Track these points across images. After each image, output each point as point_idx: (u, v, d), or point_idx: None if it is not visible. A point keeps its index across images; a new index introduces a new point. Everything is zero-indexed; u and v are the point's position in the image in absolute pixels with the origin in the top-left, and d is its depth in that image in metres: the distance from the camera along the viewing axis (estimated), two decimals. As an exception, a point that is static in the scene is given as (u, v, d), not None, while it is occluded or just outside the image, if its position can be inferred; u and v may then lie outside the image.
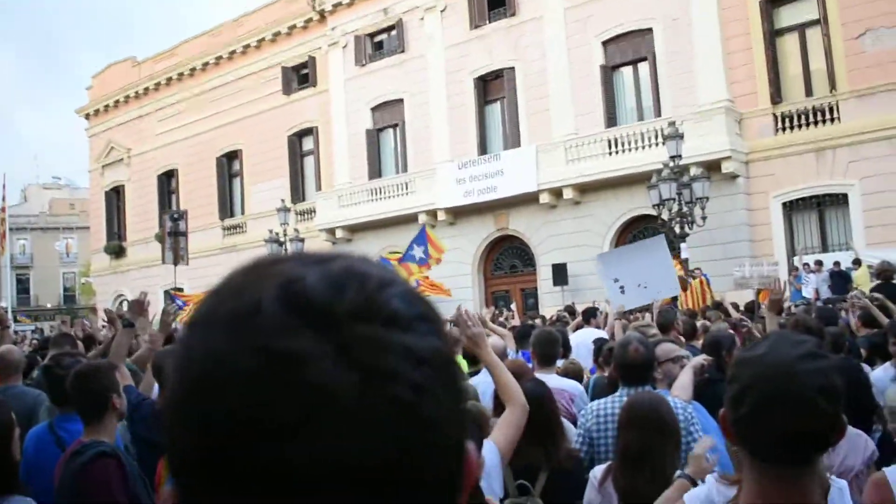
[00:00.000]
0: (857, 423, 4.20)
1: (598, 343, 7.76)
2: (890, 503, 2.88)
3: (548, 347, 5.99)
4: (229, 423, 0.59)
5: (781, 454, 1.65)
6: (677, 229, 19.26)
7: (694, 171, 20.25)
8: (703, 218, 19.35)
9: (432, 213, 27.12)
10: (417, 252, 16.47)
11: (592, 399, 5.55)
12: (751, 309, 12.91)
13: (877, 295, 10.14)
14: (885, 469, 3.10)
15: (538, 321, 13.28)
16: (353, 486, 0.59)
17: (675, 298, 13.69)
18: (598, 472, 3.61)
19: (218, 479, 0.60)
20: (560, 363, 6.82)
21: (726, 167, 21.73)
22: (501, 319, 13.79)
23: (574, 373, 6.47)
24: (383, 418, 0.60)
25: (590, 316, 11.00)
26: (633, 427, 3.46)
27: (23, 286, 66.91)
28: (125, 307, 37.91)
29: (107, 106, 41.50)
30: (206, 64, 36.28)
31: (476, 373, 6.51)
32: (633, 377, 4.63)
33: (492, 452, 3.32)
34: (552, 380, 5.72)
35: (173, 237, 14.84)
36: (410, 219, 27.27)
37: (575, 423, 5.37)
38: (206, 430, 0.60)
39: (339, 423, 0.58)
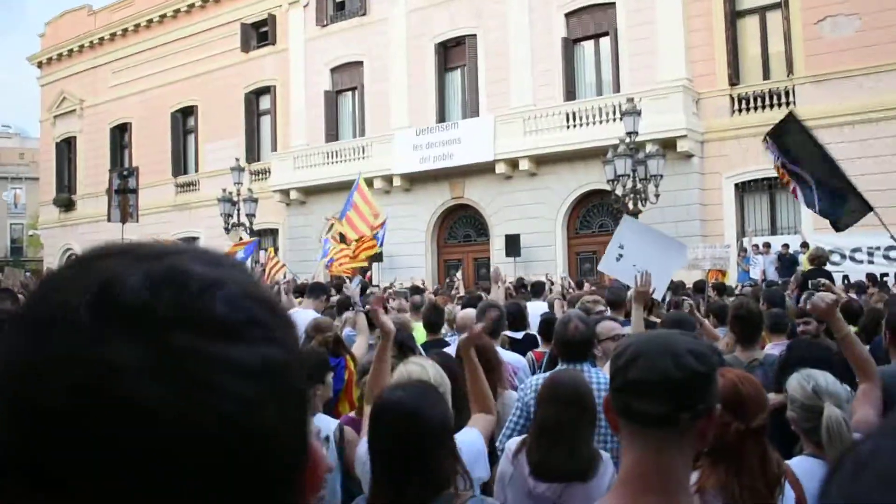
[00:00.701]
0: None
1: (544, 317, 7.79)
2: (800, 494, 2.93)
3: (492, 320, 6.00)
4: (38, 430, 0.55)
5: (647, 409, 1.70)
6: (630, 206, 19.38)
7: (649, 148, 20.34)
8: (657, 195, 19.49)
9: (388, 179, 26.99)
10: (349, 204, 16.00)
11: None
12: (700, 288, 13.08)
13: (823, 280, 10.33)
14: (787, 462, 3.13)
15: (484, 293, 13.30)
16: (175, 497, 0.55)
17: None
18: (512, 444, 3.65)
19: (22, 482, 0.56)
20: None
21: (681, 146, 21.88)
22: (451, 292, 13.82)
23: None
24: (206, 433, 0.56)
25: (539, 290, 11.02)
26: (551, 402, 3.52)
27: (-32, 236, 65.65)
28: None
29: (60, 55, 40.59)
30: (163, 16, 35.59)
31: (435, 343, 6.50)
32: (573, 354, 4.68)
33: (479, 440, 3.40)
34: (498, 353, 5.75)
35: (121, 194, 14.53)
36: (366, 183, 27.10)
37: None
38: (12, 433, 0.56)
39: (156, 440, 0.55)
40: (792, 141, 10.86)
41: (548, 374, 4.69)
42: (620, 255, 10.35)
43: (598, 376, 4.43)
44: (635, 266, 10.37)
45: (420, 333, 7.06)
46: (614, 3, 24.21)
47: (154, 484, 0.55)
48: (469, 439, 3.31)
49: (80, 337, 0.57)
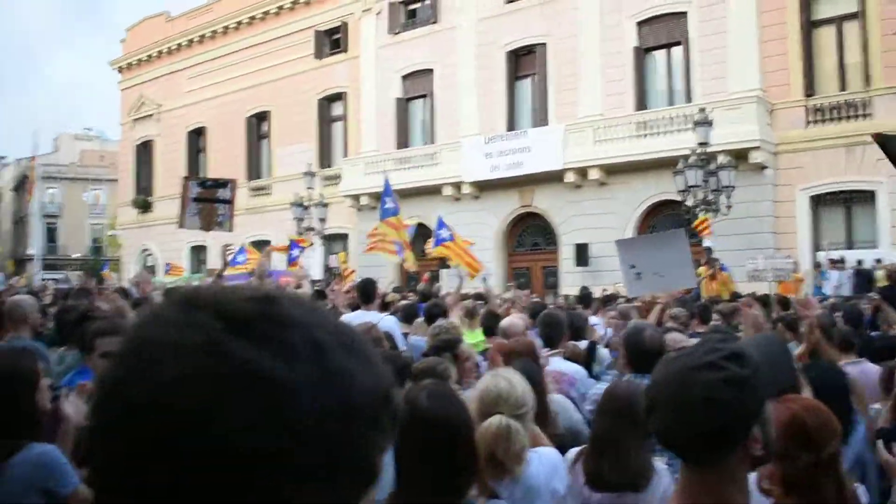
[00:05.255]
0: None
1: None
2: None
3: (551, 329, 6.00)
4: None
5: (677, 454, 1.77)
6: (701, 217, 19.15)
7: (721, 159, 20.08)
8: (728, 207, 19.22)
9: (457, 186, 27.11)
10: (389, 203, 16.02)
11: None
12: (765, 303, 12.88)
13: (873, 296, 10.18)
14: None
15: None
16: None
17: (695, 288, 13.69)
18: (572, 453, 3.67)
19: None
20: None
21: (754, 157, 21.57)
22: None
23: (576, 356, 6.47)
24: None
25: (587, 301, 10.94)
26: (606, 413, 3.52)
27: (51, 235, 67.55)
28: (149, 262, 38.29)
29: (140, 60, 41.68)
30: (239, 23, 36.28)
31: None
32: (643, 364, 4.64)
33: (555, 452, 3.45)
34: (554, 363, 5.75)
35: (204, 203, 14.82)
36: (435, 190, 27.30)
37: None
38: None
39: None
40: None
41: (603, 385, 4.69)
42: (638, 274, 10.30)
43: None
44: (656, 274, 10.32)
45: (476, 337, 7.11)
46: (686, 13, 23.99)
47: None
48: (546, 451, 3.35)
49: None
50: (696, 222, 18.61)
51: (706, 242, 18.20)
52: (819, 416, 2.73)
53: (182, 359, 0.68)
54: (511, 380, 3.33)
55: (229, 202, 15.94)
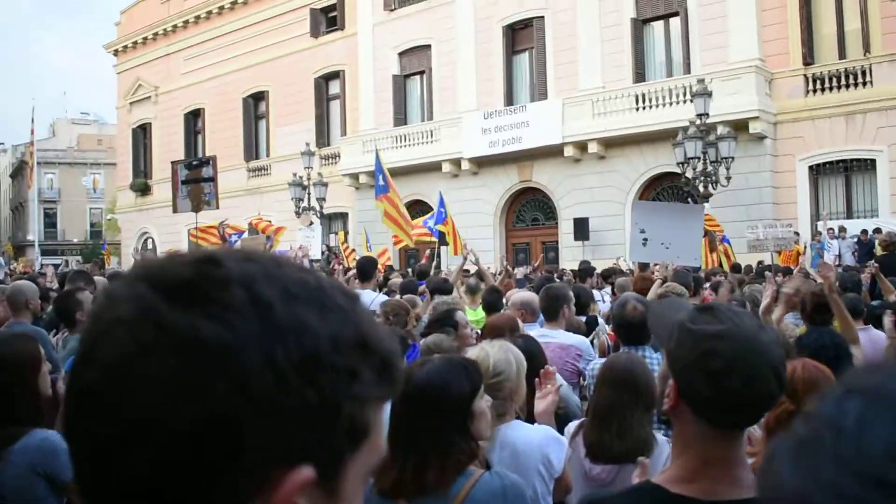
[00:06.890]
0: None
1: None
2: None
3: (552, 302, 5.98)
4: None
5: (735, 421, 1.73)
6: (701, 188, 19.11)
7: (721, 130, 19.99)
8: (728, 178, 19.16)
9: (456, 163, 27.03)
10: (380, 180, 15.90)
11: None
12: (761, 273, 12.90)
13: (872, 264, 10.24)
14: None
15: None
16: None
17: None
18: (571, 426, 3.68)
19: None
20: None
21: (754, 127, 21.47)
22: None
23: (576, 330, 6.44)
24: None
25: (585, 275, 10.94)
26: (606, 385, 3.53)
27: (50, 220, 67.48)
28: (149, 245, 38.30)
29: (135, 42, 41.42)
30: (234, 3, 36.02)
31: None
32: (631, 336, 4.67)
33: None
34: (560, 335, 5.73)
35: (192, 184, 14.79)
36: (434, 167, 27.22)
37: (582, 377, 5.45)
38: None
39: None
40: None
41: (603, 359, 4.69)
42: (645, 240, 10.28)
43: (660, 359, 4.39)
44: (663, 244, 10.32)
45: (472, 315, 7.14)
46: (685, -17, 23.82)
47: None
48: (541, 426, 3.39)
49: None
50: None
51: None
52: (811, 372, 2.99)
53: (120, 335, 0.67)
54: (488, 350, 3.35)
55: (212, 180, 15.99)
